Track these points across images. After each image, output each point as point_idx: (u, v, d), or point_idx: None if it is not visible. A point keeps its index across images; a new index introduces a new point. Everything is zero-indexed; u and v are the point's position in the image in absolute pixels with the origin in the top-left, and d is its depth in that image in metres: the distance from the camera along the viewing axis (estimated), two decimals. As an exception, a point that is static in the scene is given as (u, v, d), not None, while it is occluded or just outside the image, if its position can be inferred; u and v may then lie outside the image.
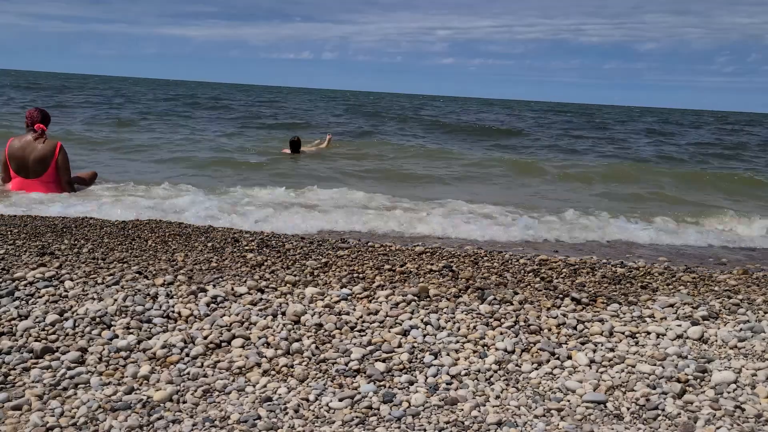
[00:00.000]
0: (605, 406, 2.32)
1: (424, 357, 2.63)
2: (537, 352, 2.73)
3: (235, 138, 15.02)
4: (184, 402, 2.23)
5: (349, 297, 3.19)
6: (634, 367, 2.61)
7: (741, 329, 3.02)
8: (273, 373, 2.47)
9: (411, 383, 2.43)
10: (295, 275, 3.53)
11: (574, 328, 2.98)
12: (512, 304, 3.22)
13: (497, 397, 2.36)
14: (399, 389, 2.39)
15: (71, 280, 3.23)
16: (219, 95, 43.87)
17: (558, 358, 2.68)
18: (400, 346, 2.71)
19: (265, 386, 2.36)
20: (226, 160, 10.75)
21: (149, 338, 2.67)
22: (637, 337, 2.92)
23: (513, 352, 2.71)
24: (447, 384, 2.43)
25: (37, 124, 5.93)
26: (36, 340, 2.59)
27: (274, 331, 2.78)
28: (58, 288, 3.12)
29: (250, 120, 21.48)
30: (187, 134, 15.02)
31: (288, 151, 11.95)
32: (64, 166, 5.97)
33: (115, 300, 2.97)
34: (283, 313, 2.95)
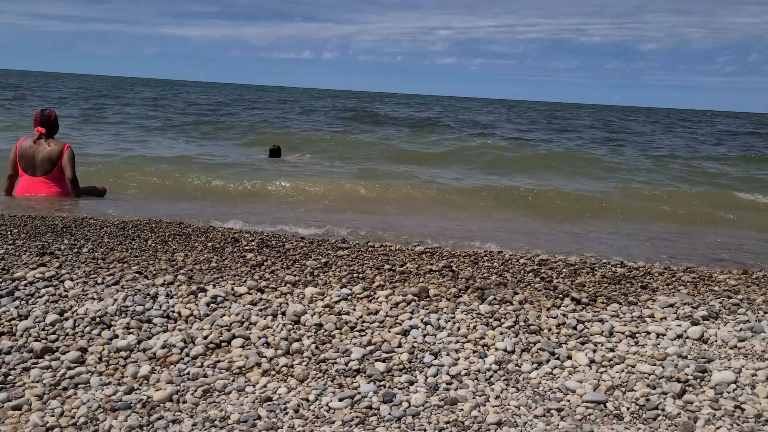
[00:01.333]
0: (605, 406, 2.32)
1: (424, 357, 2.63)
2: (537, 352, 2.73)
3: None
4: (184, 402, 2.23)
5: (349, 297, 3.19)
6: (634, 367, 2.61)
7: (741, 329, 3.02)
8: (273, 373, 2.47)
9: (411, 383, 2.43)
10: (295, 275, 3.53)
11: (574, 328, 2.98)
12: (512, 304, 3.22)
13: (497, 397, 2.36)
14: (399, 389, 2.39)
15: (71, 280, 3.23)
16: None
17: (558, 358, 2.68)
18: (400, 346, 2.71)
19: (265, 386, 2.36)
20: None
21: (149, 338, 2.67)
22: (637, 337, 2.92)
23: (513, 352, 2.71)
24: (447, 384, 2.43)
25: (37, 127, 6.03)
26: (36, 340, 2.60)
27: (274, 331, 2.78)
28: (58, 288, 3.12)
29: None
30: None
31: (262, 156, 11.64)
32: (68, 164, 6.06)
33: (115, 300, 2.97)
34: (283, 313, 2.95)
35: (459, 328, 2.90)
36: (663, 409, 2.29)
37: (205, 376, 2.42)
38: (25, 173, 6.00)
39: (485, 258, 4.25)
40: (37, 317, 2.75)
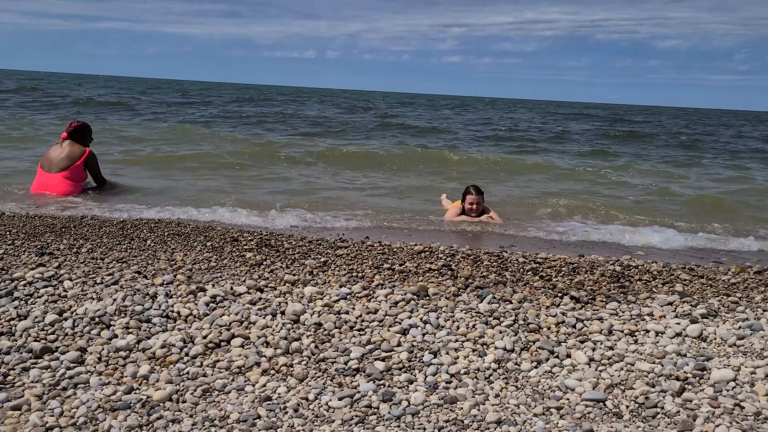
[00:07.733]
0: (604, 405, 2.32)
1: (423, 356, 2.63)
2: (536, 350, 2.73)
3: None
4: (184, 401, 2.23)
5: (348, 296, 3.19)
6: (633, 365, 2.61)
7: (740, 327, 3.02)
8: (272, 372, 2.47)
9: (410, 382, 2.43)
10: (294, 274, 3.53)
11: (573, 326, 2.98)
12: (511, 302, 3.22)
13: (497, 395, 2.36)
14: (398, 388, 2.39)
15: (70, 279, 3.23)
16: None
17: (557, 357, 2.69)
18: (399, 345, 2.71)
19: (264, 385, 2.36)
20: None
21: (148, 338, 2.67)
22: (636, 336, 2.92)
23: (512, 350, 2.71)
24: (446, 383, 2.43)
25: (63, 133, 6.49)
26: (35, 340, 2.59)
27: (273, 330, 2.78)
28: (57, 288, 3.12)
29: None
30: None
31: None
32: (93, 168, 6.50)
33: (114, 300, 2.97)
34: (283, 313, 2.95)
35: (458, 327, 2.90)
36: (662, 407, 2.29)
37: (204, 375, 2.42)
38: (42, 170, 6.34)
39: (484, 257, 4.25)
40: (36, 317, 2.75)
